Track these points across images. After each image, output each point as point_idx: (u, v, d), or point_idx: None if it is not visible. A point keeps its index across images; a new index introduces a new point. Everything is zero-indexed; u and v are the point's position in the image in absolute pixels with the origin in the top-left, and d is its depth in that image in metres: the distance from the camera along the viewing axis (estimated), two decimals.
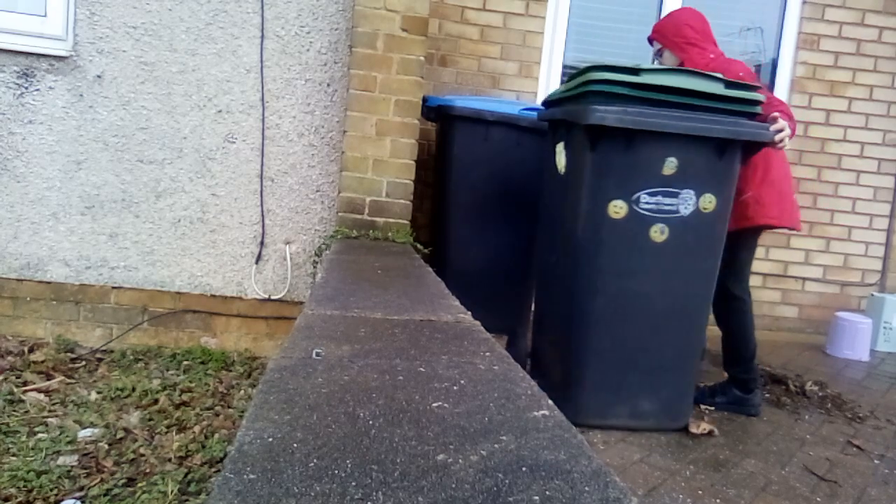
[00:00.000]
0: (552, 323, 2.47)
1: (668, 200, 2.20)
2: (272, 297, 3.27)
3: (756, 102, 2.25)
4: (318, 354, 1.16)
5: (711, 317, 2.51)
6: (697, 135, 2.14)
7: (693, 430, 2.34)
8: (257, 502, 0.66)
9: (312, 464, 0.75)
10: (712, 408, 2.58)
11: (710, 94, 2.16)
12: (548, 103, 2.60)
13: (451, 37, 3.71)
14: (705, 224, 2.25)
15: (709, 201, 2.24)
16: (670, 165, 2.18)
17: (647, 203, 2.19)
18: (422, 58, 2.91)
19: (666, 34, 2.71)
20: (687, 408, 2.39)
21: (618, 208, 2.18)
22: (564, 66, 3.87)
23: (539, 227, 2.69)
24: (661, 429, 2.32)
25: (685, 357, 2.33)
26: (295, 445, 0.79)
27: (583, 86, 2.21)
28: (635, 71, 2.12)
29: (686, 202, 2.22)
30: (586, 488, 0.74)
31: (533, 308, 2.82)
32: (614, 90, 2.11)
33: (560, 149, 2.40)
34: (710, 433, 2.34)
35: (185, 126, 3.13)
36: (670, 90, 2.13)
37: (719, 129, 2.15)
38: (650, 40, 2.81)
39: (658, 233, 2.21)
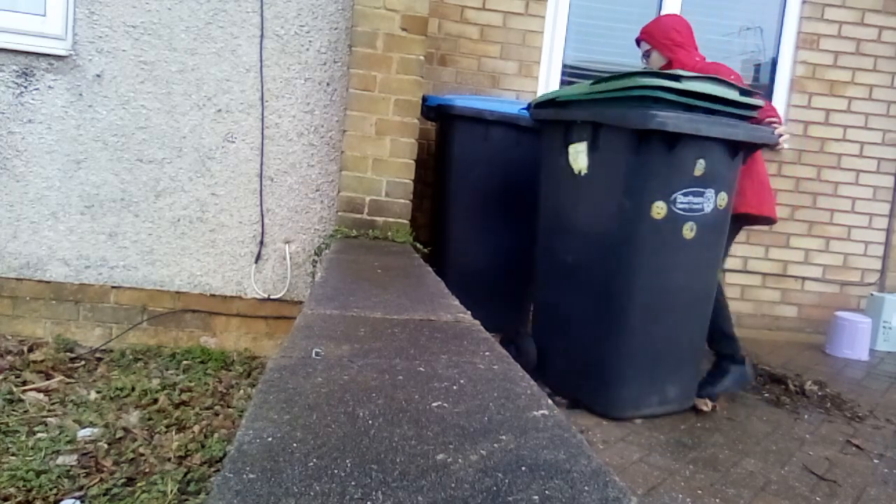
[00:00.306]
0: (575, 323, 2.49)
1: (696, 200, 2.32)
2: (272, 297, 3.27)
3: (758, 107, 2.40)
4: (317, 354, 1.16)
5: None
6: (722, 137, 2.26)
7: (703, 408, 2.53)
8: (257, 502, 0.66)
9: (312, 463, 0.75)
10: (714, 397, 2.65)
11: (730, 100, 2.28)
12: (551, 104, 2.58)
13: (450, 36, 3.71)
14: (720, 219, 2.42)
15: (722, 198, 2.38)
16: (700, 167, 2.28)
17: (681, 203, 2.28)
18: (421, 57, 2.91)
19: (655, 36, 2.84)
20: (695, 387, 2.57)
21: (659, 209, 2.25)
22: (564, 66, 3.87)
23: (543, 228, 2.68)
24: (680, 411, 2.50)
25: (700, 342, 2.54)
26: (294, 445, 0.79)
27: (627, 90, 2.24)
28: (677, 77, 2.19)
29: (709, 200, 2.34)
30: (586, 488, 0.74)
31: (536, 308, 2.82)
32: (660, 95, 2.16)
33: (579, 149, 2.43)
34: (714, 409, 2.56)
35: (185, 125, 3.13)
36: (704, 97, 2.22)
37: (742, 132, 2.30)
38: (638, 42, 2.93)
39: (689, 230, 2.32)
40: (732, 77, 2.50)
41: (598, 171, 2.37)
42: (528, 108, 2.76)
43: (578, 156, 2.42)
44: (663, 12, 3.81)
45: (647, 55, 2.89)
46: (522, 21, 3.74)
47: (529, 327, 2.91)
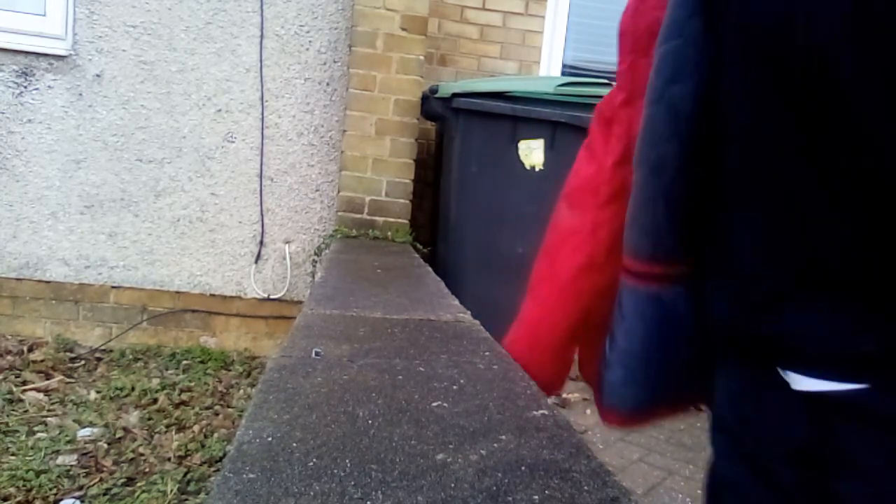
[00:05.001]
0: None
1: None
2: (271, 297, 3.27)
3: None
4: (317, 354, 1.16)
5: None
6: None
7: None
8: (256, 502, 0.66)
9: (312, 463, 0.75)
10: None
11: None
12: (493, 96, 2.58)
13: (450, 36, 3.71)
14: None
15: None
16: None
17: None
18: (421, 57, 2.91)
19: None
20: None
21: None
22: (564, 66, 3.87)
23: (475, 219, 2.66)
24: None
25: None
26: (294, 445, 0.79)
27: (581, 97, 2.53)
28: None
29: None
30: (585, 487, 0.74)
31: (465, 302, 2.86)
32: (588, 101, 2.50)
33: (533, 146, 2.48)
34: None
35: (185, 125, 3.13)
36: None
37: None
38: None
39: None
40: None
41: (557, 166, 2.55)
42: (433, 92, 2.76)
43: (532, 152, 2.48)
44: None
45: None
46: (522, 21, 3.74)
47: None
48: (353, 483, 0.71)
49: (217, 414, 2.49)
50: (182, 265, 3.20)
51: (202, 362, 3.05)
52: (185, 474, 2.02)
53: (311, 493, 0.68)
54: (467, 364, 1.19)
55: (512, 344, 1.07)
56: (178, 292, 3.21)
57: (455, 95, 2.59)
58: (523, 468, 0.77)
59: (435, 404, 0.96)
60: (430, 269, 2.28)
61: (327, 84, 3.19)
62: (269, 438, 0.80)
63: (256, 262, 3.24)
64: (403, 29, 2.88)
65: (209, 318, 3.25)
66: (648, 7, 0.85)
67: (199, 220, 3.19)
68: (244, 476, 0.71)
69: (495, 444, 0.83)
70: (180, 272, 3.21)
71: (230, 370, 3.00)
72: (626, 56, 0.94)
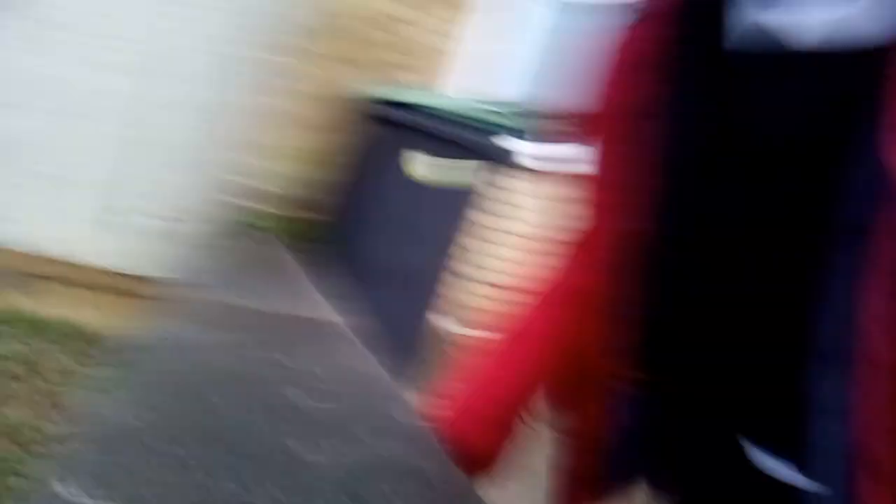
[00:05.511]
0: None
1: None
2: (128, 272, 3.06)
3: None
4: (175, 335, 1.13)
5: None
6: None
7: None
8: (97, 483, 0.64)
9: (160, 448, 0.74)
10: None
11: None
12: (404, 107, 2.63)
13: (367, 43, 3.68)
14: None
15: None
16: None
17: None
18: (349, 53, 2.90)
19: None
20: None
21: None
22: (467, 90, 3.97)
23: (374, 230, 2.67)
24: None
25: None
26: (143, 428, 0.77)
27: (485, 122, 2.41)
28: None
29: None
30: (440, 486, 0.78)
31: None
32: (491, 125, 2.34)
33: (428, 160, 2.52)
34: None
35: (48, 71, 2.85)
36: None
37: None
38: None
39: None
40: None
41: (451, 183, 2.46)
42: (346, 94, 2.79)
43: (427, 166, 2.55)
44: None
45: None
46: (435, 38, 3.79)
47: None
48: (204, 469, 0.71)
49: (57, 390, 2.30)
50: (30, 224, 2.91)
51: (40, 333, 2.78)
52: (19, 454, 1.85)
53: (164, 480, 0.67)
54: (330, 359, 1.21)
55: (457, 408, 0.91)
56: (17, 253, 2.91)
57: (365, 101, 2.63)
58: (378, 465, 0.81)
59: (293, 396, 0.97)
60: (314, 266, 2.26)
61: (228, 61, 3.03)
62: (116, 422, 0.78)
63: (113, 232, 3.01)
64: (332, 22, 2.85)
65: (55, 287, 2.97)
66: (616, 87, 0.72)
67: (54, 177, 2.91)
68: (86, 457, 0.69)
69: (352, 441, 0.86)
70: (20, 231, 2.91)
71: (73, 344, 2.77)
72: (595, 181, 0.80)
